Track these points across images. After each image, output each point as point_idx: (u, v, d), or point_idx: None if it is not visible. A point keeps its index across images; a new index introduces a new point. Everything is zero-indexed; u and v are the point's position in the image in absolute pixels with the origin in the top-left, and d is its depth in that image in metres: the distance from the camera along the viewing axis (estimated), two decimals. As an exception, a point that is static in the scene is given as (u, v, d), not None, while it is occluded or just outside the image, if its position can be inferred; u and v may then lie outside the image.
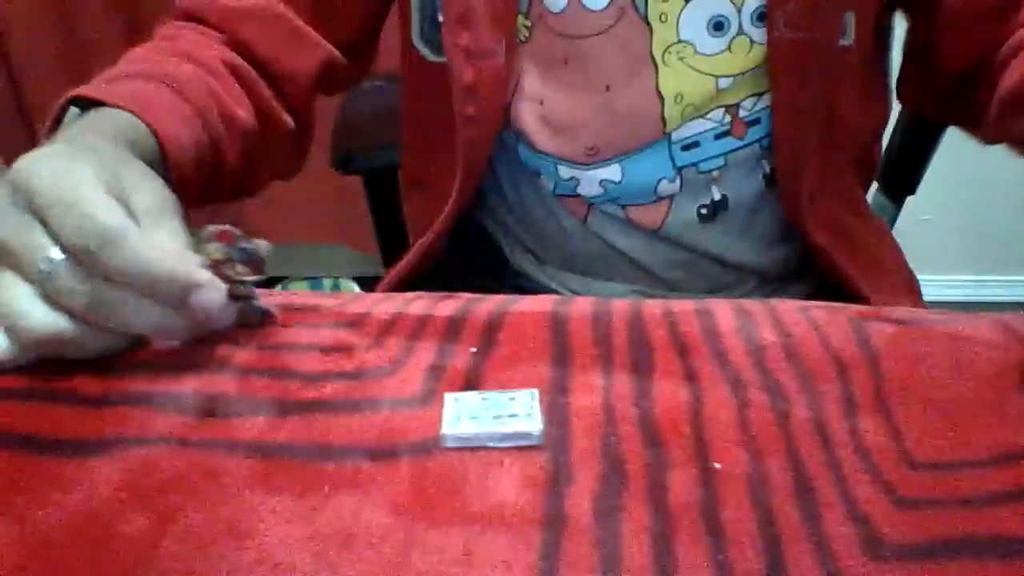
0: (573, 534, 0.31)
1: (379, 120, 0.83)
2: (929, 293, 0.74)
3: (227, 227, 0.41)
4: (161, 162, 0.49)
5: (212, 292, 0.37)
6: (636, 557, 0.30)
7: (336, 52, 0.66)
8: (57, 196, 0.36)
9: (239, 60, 0.60)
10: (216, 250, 0.40)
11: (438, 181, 0.70)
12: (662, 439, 0.35)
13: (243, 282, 0.40)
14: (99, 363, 0.40)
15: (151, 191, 0.40)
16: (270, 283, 0.64)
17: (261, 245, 0.41)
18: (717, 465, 0.34)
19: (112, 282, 0.36)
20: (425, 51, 0.65)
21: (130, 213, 0.38)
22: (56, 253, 0.36)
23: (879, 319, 0.44)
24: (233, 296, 0.40)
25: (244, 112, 0.59)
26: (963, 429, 0.36)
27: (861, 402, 0.37)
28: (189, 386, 0.39)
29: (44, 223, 0.36)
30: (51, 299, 0.37)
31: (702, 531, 0.31)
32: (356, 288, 1.95)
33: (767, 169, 0.67)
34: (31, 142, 1.93)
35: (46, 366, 0.40)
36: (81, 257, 0.36)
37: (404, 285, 0.74)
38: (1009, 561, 0.29)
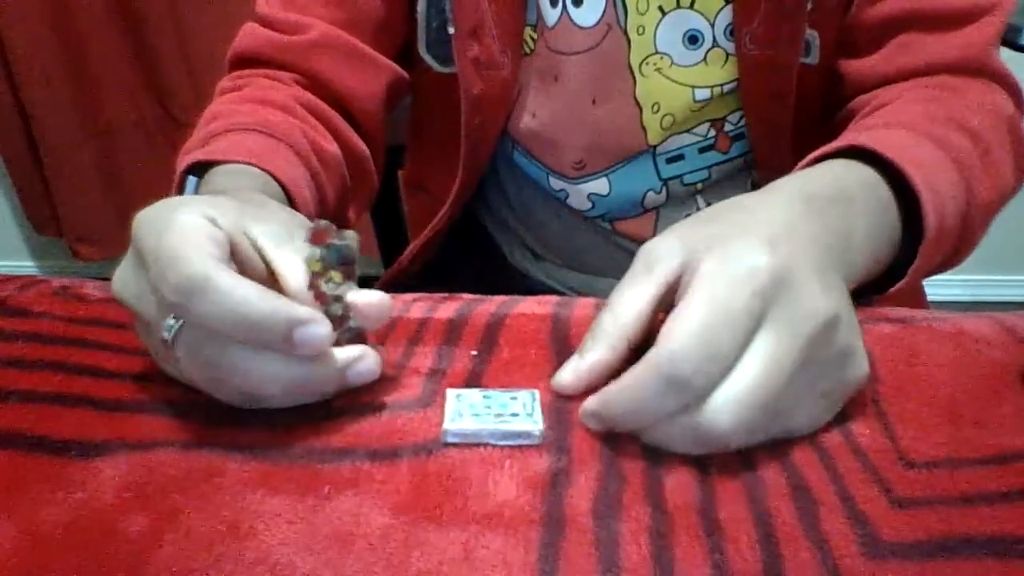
0: (572, 534, 0.31)
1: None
2: (929, 293, 0.74)
3: (321, 223, 0.36)
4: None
5: (313, 327, 0.33)
6: (635, 557, 0.30)
7: (399, 69, 0.66)
8: (153, 251, 0.34)
9: (310, 96, 0.60)
10: (312, 258, 0.36)
11: (439, 184, 0.71)
12: (661, 439, 0.35)
13: (338, 297, 0.36)
14: (109, 371, 0.40)
15: (275, 219, 0.38)
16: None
17: (350, 238, 0.36)
18: (713, 469, 0.34)
19: (223, 343, 0.33)
20: (432, 62, 0.66)
21: (254, 244, 0.36)
22: (173, 319, 0.34)
23: (877, 319, 0.44)
24: (332, 320, 0.34)
25: (332, 147, 0.59)
26: (961, 428, 0.36)
27: (856, 406, 0.37)
28: (193, 393, 0.39)
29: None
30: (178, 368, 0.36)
31: (700, 530, 0.31)
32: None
33: (755, 178, 0.68)
34: (30, 142, 1.93)
35: (55, 369, 0.40)
36: (179, 313, 0.33)
37: (403, 280, 0.75)
38: (1006, 560, 0.30)
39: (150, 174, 1.90)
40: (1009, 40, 0.89)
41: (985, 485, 0.33)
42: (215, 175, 0.48)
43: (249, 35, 0.62)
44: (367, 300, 0.36)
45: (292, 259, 0.36)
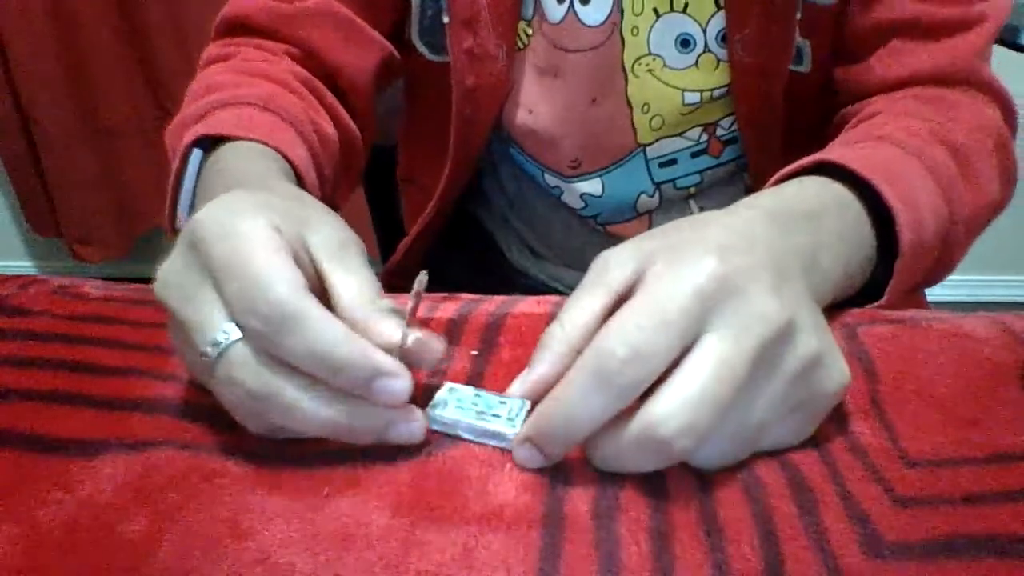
0: (572, 534, 0.31)
1: (377, 121, 0.84)
2: (929, 293, 0.74)
3: (423, 273, 0.34)
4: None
5: (397, 381, 0.32)
6: (635, 557, 0.30)
7: (392, 47, 0.65)
8: (229, 262, 0.32)
9: (305, 72, 0.59)
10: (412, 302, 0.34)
11: (430, 176, 0.71)
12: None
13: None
14: (109, 369, 0.40)
15: (331, 228, 0.36)
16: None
17: (423, 282, 0.35)
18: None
19: (283, 372, 0.32)
20: (424, 50, 0.66)
21: (309, 255, 0.35)
22: (224, 334, 0.32)
23: (875, 320, 0.44)
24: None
25: (329, 127, 0.58)
26: (961, 428, 0.36)
27: (855, 405, 0.37)
28: (194, 392, 0.39)
29: (219, 293, 0.32)
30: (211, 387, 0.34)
31: (700, 530, 0.31)
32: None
33: (748, 182, 0.68)
34: (30, 142, 1.93)
35: (54, 368, 0.40)
36: (255, 339, 0.32)
37: (400, 278, 0.75)
38: (1006, 560, 0.30)
39: (150, 174, 1.90)
40: (1009, 40, 0.89)
41: (986, 484, 0.33)
42: (226, 152, 0.47)
43: (240, 0, 0.61)
44: (430, 346, 0.34)
45: (346, 279, 0.35)
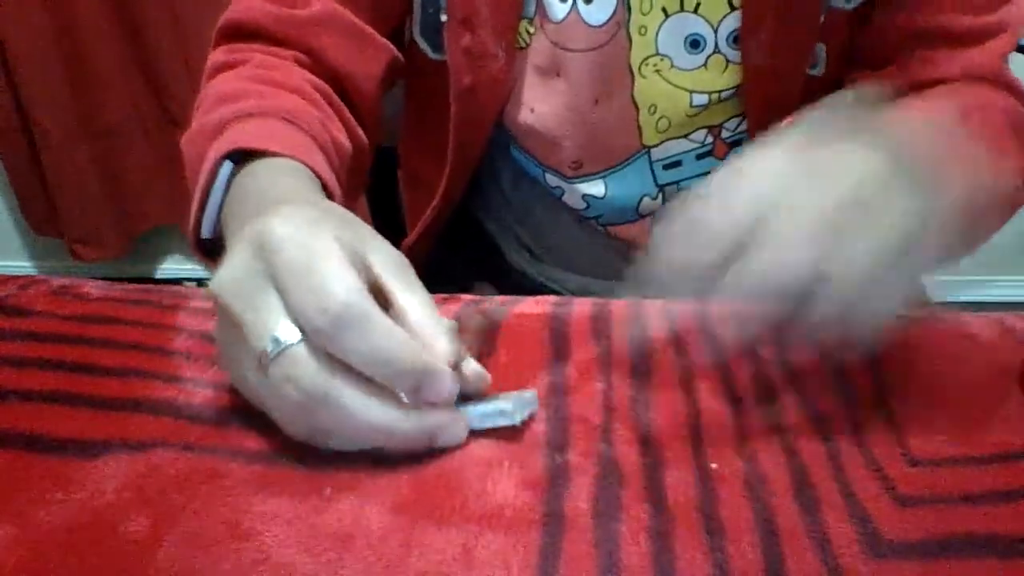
0: (572, 534, 0.31)
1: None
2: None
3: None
4: None
5: (446, 381, 0.34)
6: (635, 556, 0.30)
7: (396, 50, 0.64)
8: (298, 268, 0.33)
9: (318, 80, 0.58)
10: (477, 324, 0.36)
11: (432, 176, 0.70)
12: (659, 440, 0.36)
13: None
14: (109, 369, 0.40)
15: (388, 248, 0.38)
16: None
17: (499, 311, 0.36)
18: (714, 465, 0.34)
19: (340, 374, 0.33)
20: (425, 47, 0.66)
21: (370, 271, 0.36)
22: (284, 334, 0.33)
23: (878, 319, 0.44)
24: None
25: (343, 137, 0.57)
26: (963, 428, 0.36)
27: (860, 402, 0.38)
28: (195, 393, 0.39)
29: (283, 296, 0.33)
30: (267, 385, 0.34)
31: (701, 529, 0.31)
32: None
33: None
34: (30, 142, 1.93)
35: (54, 368, 0.40)
36: (318, 339, 0.32)
37: None
38: (1007, 559, 0.30)
39: (150, 174, 1.90)
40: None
41: (986, 484, 0.33)
42: (258, 167, 0.46)
43: (244, 5, 0.60)
44: (475, 372, 0.37)
45: (410, 298, 0.36)
